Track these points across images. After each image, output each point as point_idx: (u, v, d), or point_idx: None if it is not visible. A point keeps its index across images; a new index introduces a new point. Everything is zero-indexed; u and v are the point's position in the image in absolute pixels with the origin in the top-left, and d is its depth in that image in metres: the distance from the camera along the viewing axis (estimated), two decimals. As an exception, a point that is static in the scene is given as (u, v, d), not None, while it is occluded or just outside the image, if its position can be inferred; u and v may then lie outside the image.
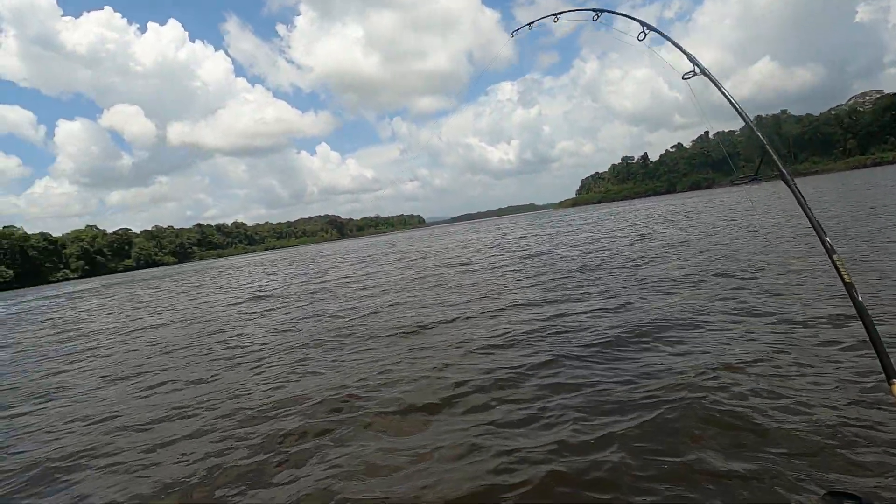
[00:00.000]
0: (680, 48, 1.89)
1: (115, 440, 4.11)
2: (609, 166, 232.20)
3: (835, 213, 14.50)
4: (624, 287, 7.57)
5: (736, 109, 1.48)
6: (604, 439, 2.92)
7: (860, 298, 1.14)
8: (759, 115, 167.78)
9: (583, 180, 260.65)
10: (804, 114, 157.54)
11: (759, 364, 3.74)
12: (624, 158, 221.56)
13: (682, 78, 1.76)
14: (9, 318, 20.24)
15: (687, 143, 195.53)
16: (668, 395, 3.39)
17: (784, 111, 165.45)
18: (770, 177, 1.26)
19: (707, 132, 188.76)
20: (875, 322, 1.24)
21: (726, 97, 1.52)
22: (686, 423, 2.99)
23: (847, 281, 1.16)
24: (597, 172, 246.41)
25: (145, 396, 5.30)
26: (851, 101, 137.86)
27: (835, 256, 1.09)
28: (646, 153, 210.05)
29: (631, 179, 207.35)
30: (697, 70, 1.71)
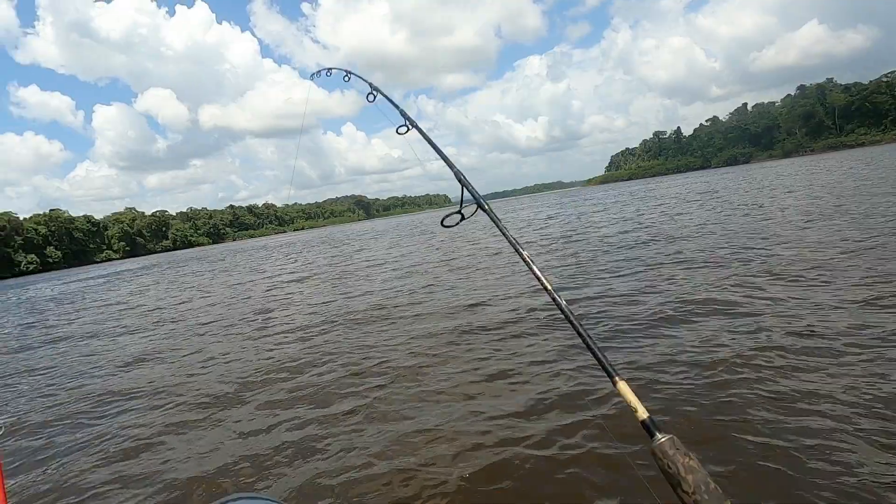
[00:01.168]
0: (394, 104, 1.83)
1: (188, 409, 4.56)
2: (640, 142, 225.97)
3: (882, 190, 13.94)
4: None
5: (436, 150, 1.51)
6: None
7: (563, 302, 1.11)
8: (801, 85, 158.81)
9: (612, 157, 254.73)
10: (852, 82, 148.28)
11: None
12: (656, 133, 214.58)
13: (398, 132, 1.64)
14: (74, 296, 21.53)
15: (723, 116, 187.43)
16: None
17: (830, 79, 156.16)
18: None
19: (745, 104, 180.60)
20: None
21: (432, 145, 1.54)
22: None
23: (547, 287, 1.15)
24: (627, 148, 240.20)
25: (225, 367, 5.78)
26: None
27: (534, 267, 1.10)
28: (678, 127, 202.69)
29: (663, 155, 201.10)
30: (409, 126, 1.63)
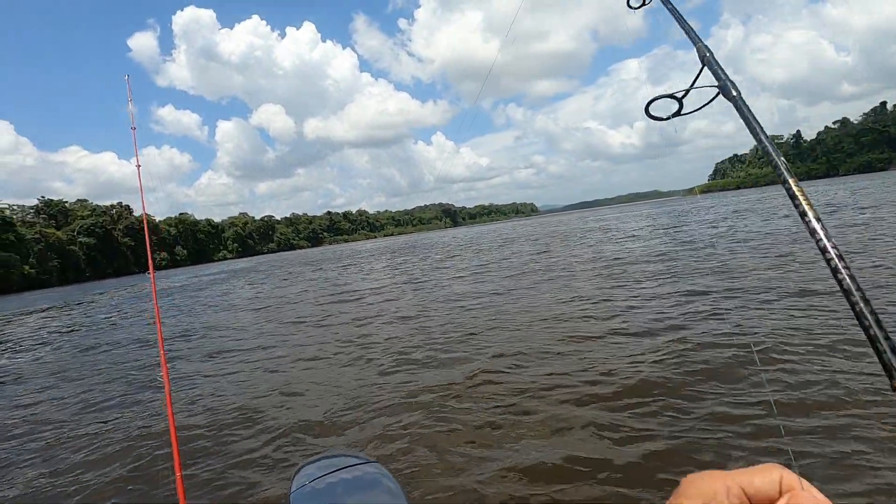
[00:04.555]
0: None
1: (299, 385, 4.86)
2: (751, 147, 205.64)
3: None
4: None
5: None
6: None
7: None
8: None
9: (718, 164, 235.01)
10: None
11: None
12: (770, 137, 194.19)
13: (629, 6, 1.10)
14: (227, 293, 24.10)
15: (855, 118, 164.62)
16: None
17: None
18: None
19: (884, 103, 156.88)
20: None
21: (675, 16, 1.11)
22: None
23: None
24: (735, 155, 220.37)
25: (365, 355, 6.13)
26: None
27: None
28: (798, 130, 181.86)
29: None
30: None
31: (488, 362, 4.64)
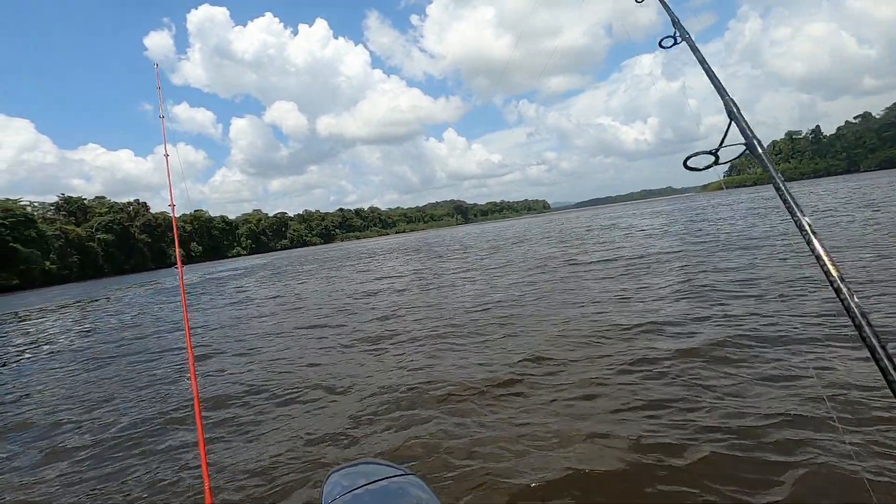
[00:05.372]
0: (666, 6, 1.49)
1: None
2: (769, 143, 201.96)
3: None
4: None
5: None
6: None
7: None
8: None
9: (734, 160, 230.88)
10: None
11: None
12: (788, 133, 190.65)
13: (661, 46, 1.40)
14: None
15: (878, 112, 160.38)
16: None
17: None
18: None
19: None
20: None
21: (702, 63, 1.24)
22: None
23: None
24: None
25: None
26: None
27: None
28: (818, 126, 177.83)
29: (796, 157, 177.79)
30: (678, 37, 1.35)
31: (522, 365, 4.66)
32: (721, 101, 1.12)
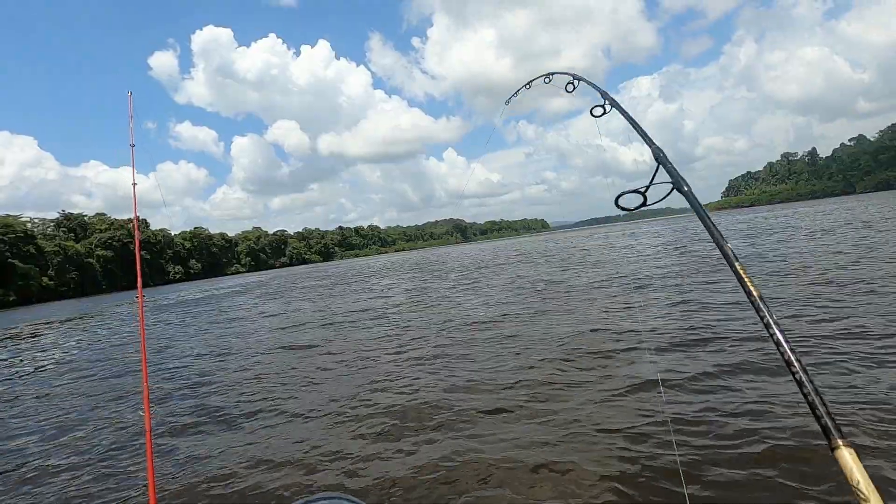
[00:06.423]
0: (595, 87, 1.76)
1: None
2: (765, 164, 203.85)
3: None
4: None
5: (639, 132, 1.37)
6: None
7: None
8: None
9: (731, 181, 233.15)
10: None
11: None
12: (784, 155, 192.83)
13: (591, 114, 1.63)
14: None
15: (872, 135, 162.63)
16: None
17: None
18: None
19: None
20: None
21: (632, 124, 1.43)
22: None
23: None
24: (749, 172, 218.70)
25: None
26: None
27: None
28: (814, 148, 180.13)
29: (792, 179, 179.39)
30: (606, 106, 1.60)
31: (513, 392, 4.63)
32: (649, 150, 1.18)
